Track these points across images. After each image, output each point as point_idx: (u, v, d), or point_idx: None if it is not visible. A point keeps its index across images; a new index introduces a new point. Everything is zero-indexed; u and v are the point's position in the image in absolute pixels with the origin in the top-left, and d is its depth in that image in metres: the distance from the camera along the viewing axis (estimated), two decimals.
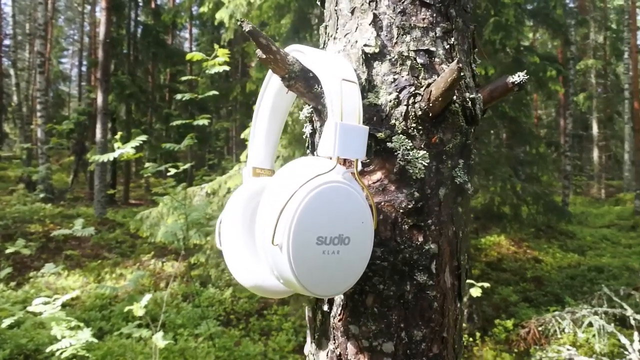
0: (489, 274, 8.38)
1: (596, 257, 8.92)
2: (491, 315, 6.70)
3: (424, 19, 0.76)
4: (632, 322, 5.10)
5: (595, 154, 14.75)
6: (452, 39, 0.77)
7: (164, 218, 7.56)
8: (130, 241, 9.18)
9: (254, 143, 0.90)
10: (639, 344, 4.76)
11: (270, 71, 0.85)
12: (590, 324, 5.27)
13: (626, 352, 4.82)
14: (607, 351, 5.16)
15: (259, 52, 0.75)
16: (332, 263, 0.66)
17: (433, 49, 0.76)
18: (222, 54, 3.94)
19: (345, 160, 0.70)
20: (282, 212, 0.63)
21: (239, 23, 0.72)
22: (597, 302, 5.79)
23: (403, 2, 0.76)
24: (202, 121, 4.24)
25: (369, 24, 0.76)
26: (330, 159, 0.67)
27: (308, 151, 0.90)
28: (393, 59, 0.75)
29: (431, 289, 0.76)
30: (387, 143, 0.73)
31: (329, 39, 0.85)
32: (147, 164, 4.09)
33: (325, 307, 0.80)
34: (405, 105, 0.73)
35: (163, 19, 11.46)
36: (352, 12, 0.79)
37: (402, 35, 0.75)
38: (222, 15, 7.44)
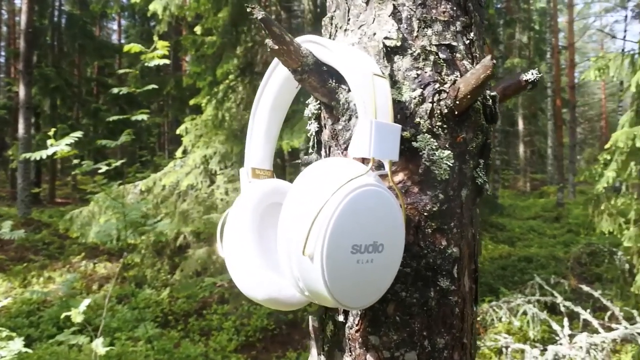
0: None
1: (525, 248, 9.37)
2: None
3: (444, 12, 0.72)
4: (562, 308, 5.38)
5: (521, 148, 15.55)
6: (472, 34, 0.74)
7: (96, 217, 7.20)
8: (59, 242, 8.67)
9: (253, 142, 0.83)
10: (569, 329, 5.03)
11: (272, 66, 0.79)
12: (524, 312, 5.51)
13: (557, 337, 5.07)
14: (540, 337, 5.43)
15: (269, 42, 0.69)
16: (365, 272, 0.62)
17: (454, 43, 0.72)
18: (161, 47, 3.77)
19: (364, 160, 0.65)
20: (315, 220, 0.58)
21: (248, 10, 0.66)
22: (530, 291, 6.08)
23: None
24: (140, 116, 4.03)
25: (389, 16, 0.71)
26: (363, 160, 0.62)
27: (311, 150, 0.85)
28: (415, 54, 0.71)
29: (453, 294, 0.73)
30: (412, 142, 0.69)
31: (336, 31, 0.79)
32: (83, 162, 3.85)
33: (340, 318, 0.75)
34: (430, 102, 0.69)
35: (92, 8, 10.87)
36: (367, 3, 0.74)
37: (423, 28, 0.71)
38: (155, 6, 7.14)
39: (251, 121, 0.83)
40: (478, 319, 5.82)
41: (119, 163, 4.08)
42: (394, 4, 0.71)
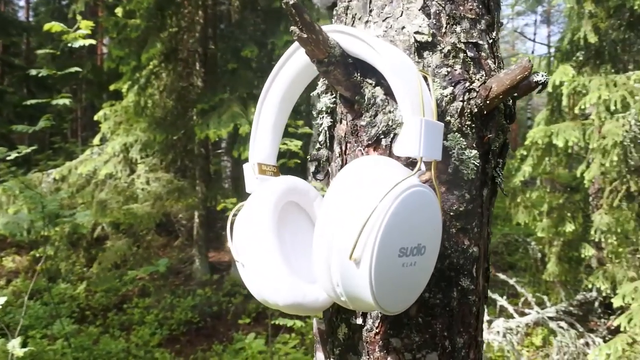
0: None
1: None
2: None
3: (471, 10, 0.71)
4: None
5: None
6: (494, 33, 0.74)
7: (3, 207, 6.67)
8: None
9: (259, 136, 0.78)
10: (487, 315, 5.32)
11: (287, 55, 0.75)
12: None
13: None
14: None
15: (296, 29, 0.64)
16: (408, 276, 0.60)
17: (481, 42, 0.71)
18: (85, 27, 3.53)
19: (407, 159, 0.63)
20: (366, 224, 0.55)
21: None
22: None
23: None
24: (62, 100, 3.76)
25: (419, 10, 0.69)
26: (408, 160, 0.60)
27: (319, 145, 0.81)
28: (445, 50, 0.69)
29: (472, 294, 0.73)
30: (443, 141, 0.67)
31: (353, 21, 0.76)
32: None
33: (359, 320, 0.73)
34: (460, 101, 0.68)
35: None
36: None
37: (452, 25, 0.70)
38: None
39: (257, 113, 0.78)
40: None
41: (30, 150, 3.78)
42: None
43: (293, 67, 0.75)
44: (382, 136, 0.69)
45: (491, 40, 0.73)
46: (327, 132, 0.77)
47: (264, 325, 5.87)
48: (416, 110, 0.60)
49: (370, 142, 0.70)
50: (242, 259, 0.68)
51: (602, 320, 5.33)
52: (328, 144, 0.78)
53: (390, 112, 0.69)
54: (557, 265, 5.37)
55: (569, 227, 5.13)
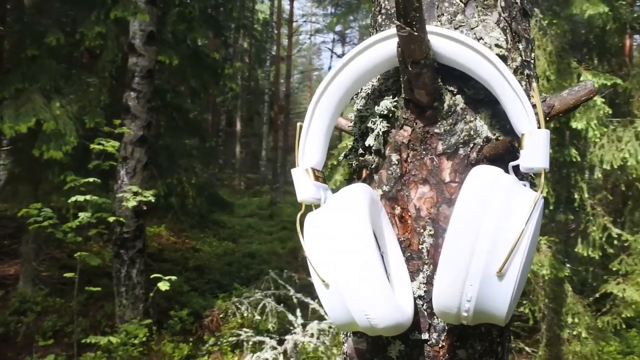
0: (151, 265, 8.28)
1: (247, 244, 9.89)
2: (165, 308, 6.65)
3: (525, 30, 0.75)
4: (295, 300, 5.89)
5: (238, 149, 16.36)
6: (532, 54, 0.78)
7: None
8: None
9: (311, 140, 0.71)
10: (301, 319, 5.55)
11: (351, 55, 0.69)
12: (264, 306, 5.84)
13: (291, 327, 5.53)
14: (278, 328, 5.82)
15: (402, 25, 0.60)
16: (521, 286, 0.60)
17: (531, 61, 0.75)
18: None
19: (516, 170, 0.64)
20: (518, 240, 0.54)
21: None
22: (265, 285, 6.46)
23: (514, 8, 0.73)
24: None
25: (495, 23, 0.70)
26: (524, 173, 0.60)
27: (362, 150, 0.76)
28: (514, 66, 0.71)
29: None
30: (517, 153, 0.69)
31: None
32: None
33: (425, 336, 0.70)
34: None
35: None
36: (466, 4, 0.71)
37: (516, 42, 0.73)
38: None
39: (310, 116, 0.71)
40: (221, 315, 5.90)
41: None
42: (499, 13, 0.71)
43: (358, 67, 0.69)
44: (462, 145, 0.68)
45: (532, 60, 0.78)
46: (382, 137, 0.73)
47: (64, 346, 5.19)
48: (532, 120, 0.61)
49: (447, 151, 0.69)
50: (332, 278, 0.60)
51: None
52: (383, 150, 0.73)
53: (470, 121, 0.68)
54: None
55: None
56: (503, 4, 0.72)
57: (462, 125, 0.68)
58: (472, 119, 0.68)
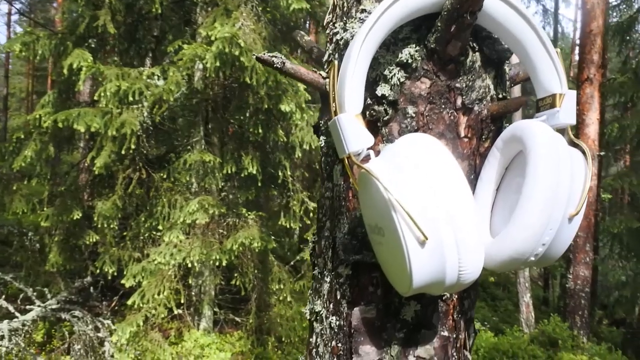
0: None
1: None
2: None
3: None
4: None
5: None
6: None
7: None
8: None
9: (357, 84, 0.62)
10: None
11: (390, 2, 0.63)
12: None
13: None
14: None
15: None
16: None
17: None
18: None
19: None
20: (585, 185, 0.60)
21: None
22: None
23: None
24: None
25: None
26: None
27: (370, 100, 0.70)
28: None
29: None
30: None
31: None
32: None
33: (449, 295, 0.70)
34: None
35: None
36: None
37: None
38: None
39: (354, 60, 0.62)
40: None
41: None
42: None
43: (400, 10, 0.63)
44: (477, 102, 0.70)
45: None
46: (400, 88, 0.68)
47: None
48: (564, 82, 0.67)
49: (466, 106, 0.69)
50: (434, 233, 0.54)
51: (104, 303, 5.51)
52: (397, 103, 0.69)
53: (485, 79, 0.71)
54: (60, 255, 5.17)
55: (76, 215, 5.03)
56: None
57: (480, 82, 0.70)
58: (485, 77, 0.71)
